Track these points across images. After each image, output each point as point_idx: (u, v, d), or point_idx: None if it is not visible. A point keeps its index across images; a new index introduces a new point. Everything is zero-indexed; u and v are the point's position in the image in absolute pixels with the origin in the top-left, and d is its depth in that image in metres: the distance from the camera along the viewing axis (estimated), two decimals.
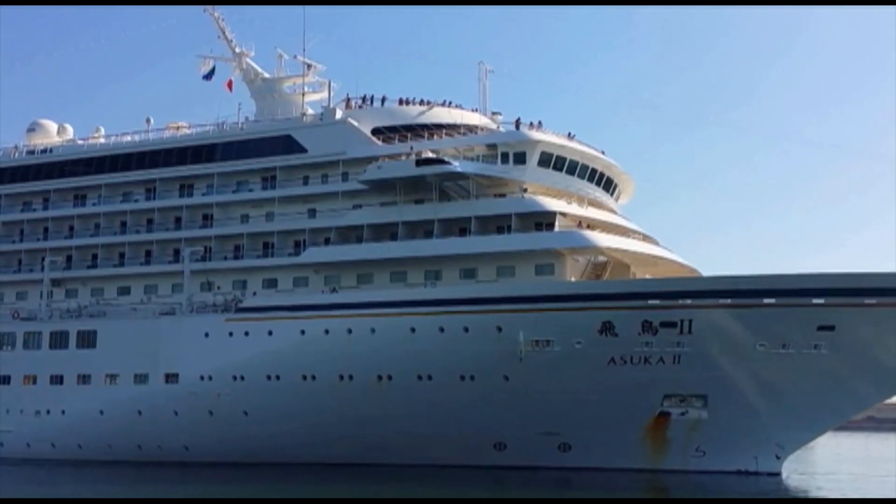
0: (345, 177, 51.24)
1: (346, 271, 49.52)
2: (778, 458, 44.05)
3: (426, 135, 50.40)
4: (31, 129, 63.81)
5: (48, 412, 52.91)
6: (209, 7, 59.29)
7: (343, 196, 51.04)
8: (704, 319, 41.75)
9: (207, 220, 54.57)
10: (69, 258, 57.32)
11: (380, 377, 45.06)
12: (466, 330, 43.56)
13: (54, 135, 63.57)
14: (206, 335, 49.14)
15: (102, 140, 61.00)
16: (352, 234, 50.13)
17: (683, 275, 49.04)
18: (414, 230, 48.85)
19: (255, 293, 51.34)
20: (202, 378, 48.53)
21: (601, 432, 43.28)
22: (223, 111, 57.85)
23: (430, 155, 48.28)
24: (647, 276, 48.64)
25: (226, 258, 53.36)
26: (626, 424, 43.18)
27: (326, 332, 45.99)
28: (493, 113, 54.72)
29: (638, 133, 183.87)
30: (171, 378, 49.79)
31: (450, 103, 53.81)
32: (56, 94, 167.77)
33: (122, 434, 50.43)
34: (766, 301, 41.48)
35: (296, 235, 51.74)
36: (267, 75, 59.04)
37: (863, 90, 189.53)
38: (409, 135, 50.74)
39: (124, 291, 55.34)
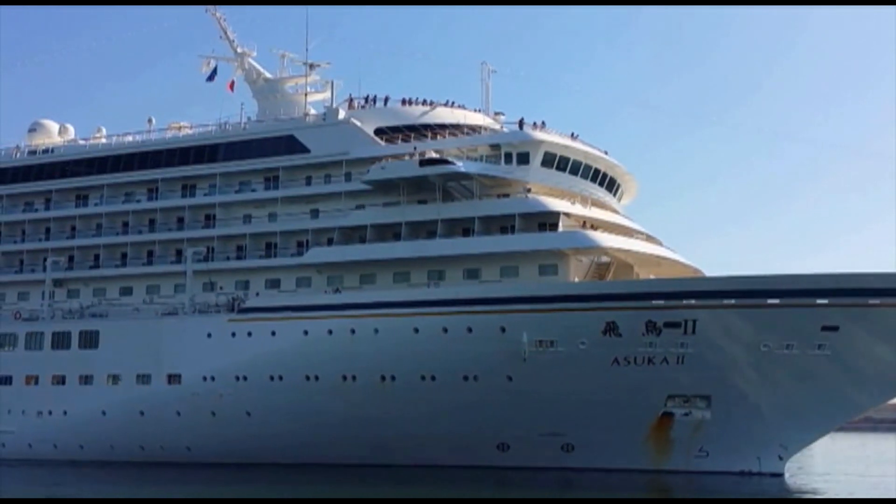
0: (348, 177, 51.25)
1: (350, 272, 49.47)
2: (781, 458, 43.94)
3: (429, 135, 50.39)
4: (33, 129, 63.72)
5: (50, 413, 52.84)
6: (211, 7, 59.32)
7: (346, 196, 51.01)
8: (708, 320, 41.71)
9: (210, 220, 54.51)
10: (71, 258, 57.32)
11: (383, 378, 44.98)
12: (470, 330, 43.44)
13: (56, 135, 63.46)
14: (209, 335, 49.08)
15: (104, 140, 60.98)
16: (355, 235, 50.11)
17: (687, 275, 48.98)
18: (417, 230, 48.82)
19: (257, 293, 51.27)
20: (205, 378, 48.44)
21: (605, 433, 43.21)
22: (225, 111, 58.15)
23: (434, 155, 48.24)
24: (651, 277, 48.60)
25: (228, 258, 53.29)
26: (630, 425, 43.10)
27: (329, 332, 45.87)
28: (496, 113, 54.79)
29: (638, 133, 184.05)
30: (173, 378, 49.71)
31: (453, 103, 53.82)
32: (57, 94, 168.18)
33: (125, 435, 50.37)
34: (770, 301, 41.39)
35: (299, 236, 51.69)
36: (269, 76, 59.01)
37: (863, 89, 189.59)
38: (412, 135, 50.80)
39: (126, 292, 55.32)
